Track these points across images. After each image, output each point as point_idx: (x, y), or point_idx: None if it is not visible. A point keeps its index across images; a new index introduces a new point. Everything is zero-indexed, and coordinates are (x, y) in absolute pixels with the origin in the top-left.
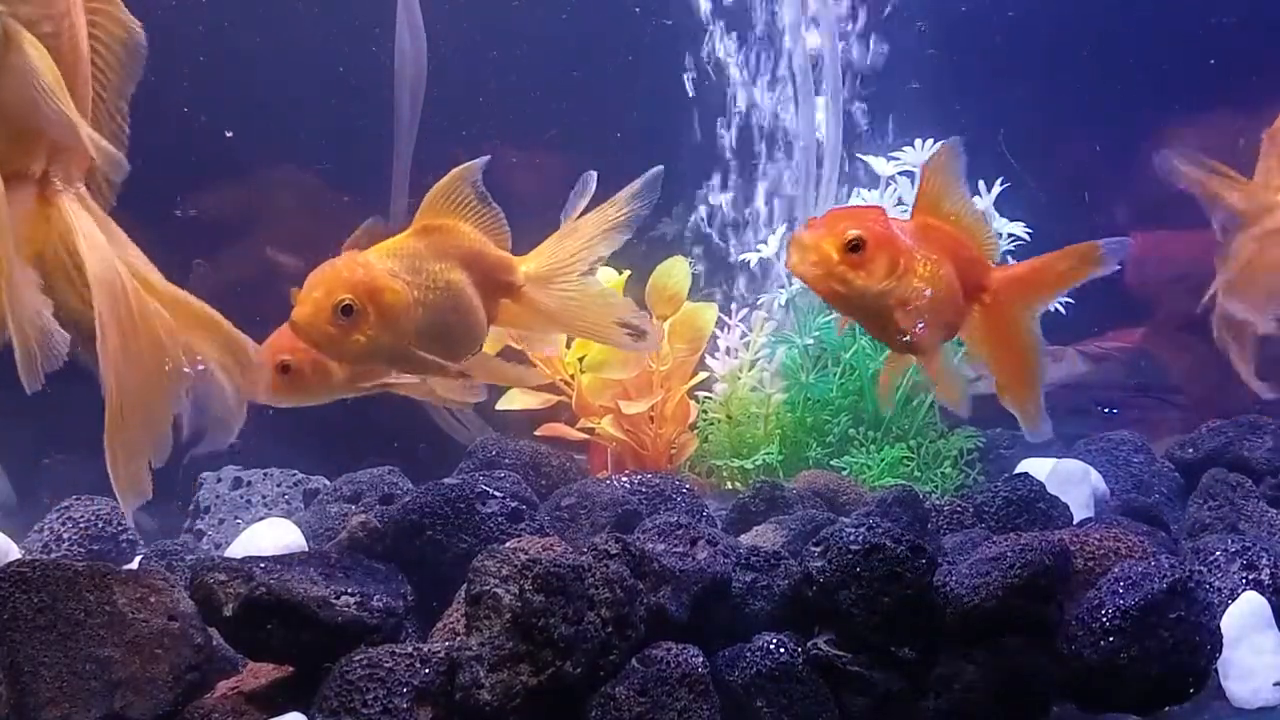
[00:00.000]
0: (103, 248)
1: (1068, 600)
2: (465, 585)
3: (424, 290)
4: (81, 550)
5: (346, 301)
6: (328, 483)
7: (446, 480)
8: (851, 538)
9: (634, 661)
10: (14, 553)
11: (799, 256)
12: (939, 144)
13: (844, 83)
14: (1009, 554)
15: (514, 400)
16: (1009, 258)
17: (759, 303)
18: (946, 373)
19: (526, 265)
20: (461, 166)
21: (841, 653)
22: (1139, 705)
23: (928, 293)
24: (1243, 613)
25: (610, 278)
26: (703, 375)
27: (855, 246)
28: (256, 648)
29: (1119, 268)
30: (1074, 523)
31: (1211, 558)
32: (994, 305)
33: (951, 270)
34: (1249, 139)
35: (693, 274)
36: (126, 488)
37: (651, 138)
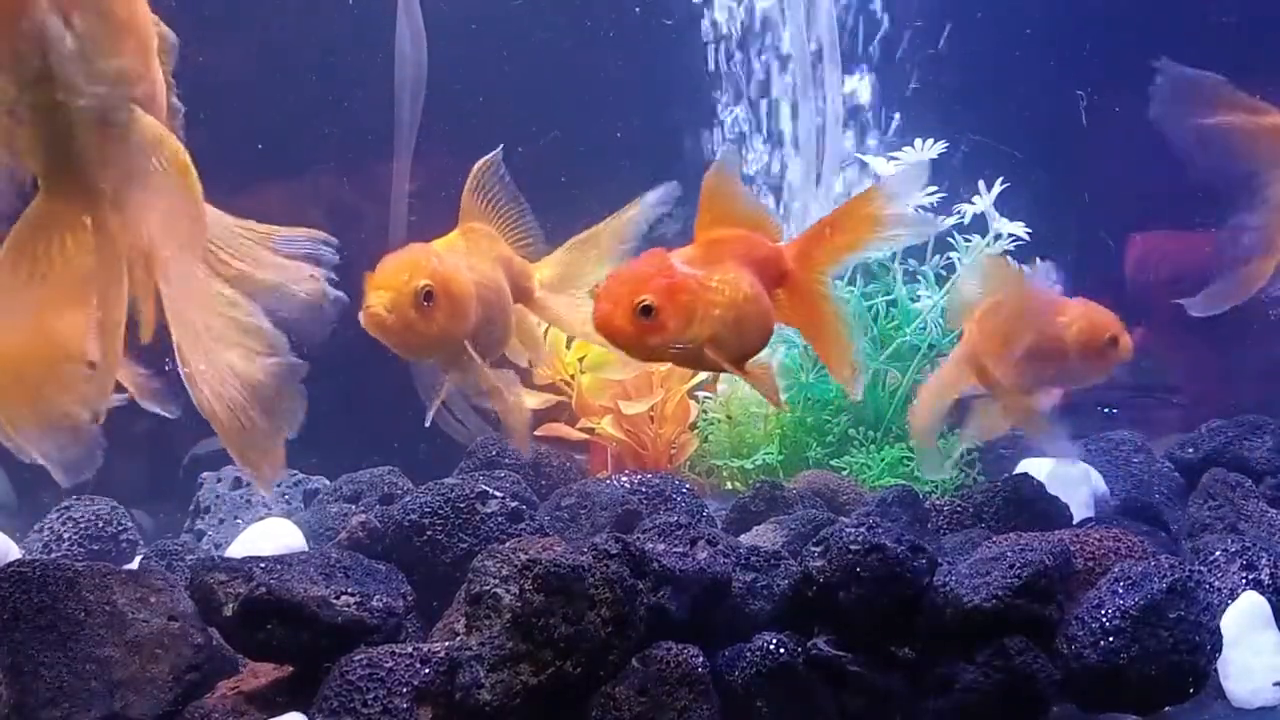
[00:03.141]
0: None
1: (1068, 600)
2: (465, 585)
3: (479, 287)
4: (81, 550)
5: (430, 287)
6: (328, 483)
7: (446, 480)
8: (851, 538)
9: (634, 661)
10: (14, 553)
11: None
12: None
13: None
14: (1009, 554)
15: None
16: (1008, 259)
17: None
18: (774, 388)
19: (541, 273)
20: (483, 160)
21: (841, 653)
22: (1139, 705)
23: (733, 319)
24: (1242, 613)
25: None
26: (703, 375)
27: (646, 311)
28: (256, 648)
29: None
30: (1074, 523)
31: (1211, 558)
32: (793, 284)
33: (749, 277)
34: None
35: None
36: (262, 475)
37: (652, 137)
